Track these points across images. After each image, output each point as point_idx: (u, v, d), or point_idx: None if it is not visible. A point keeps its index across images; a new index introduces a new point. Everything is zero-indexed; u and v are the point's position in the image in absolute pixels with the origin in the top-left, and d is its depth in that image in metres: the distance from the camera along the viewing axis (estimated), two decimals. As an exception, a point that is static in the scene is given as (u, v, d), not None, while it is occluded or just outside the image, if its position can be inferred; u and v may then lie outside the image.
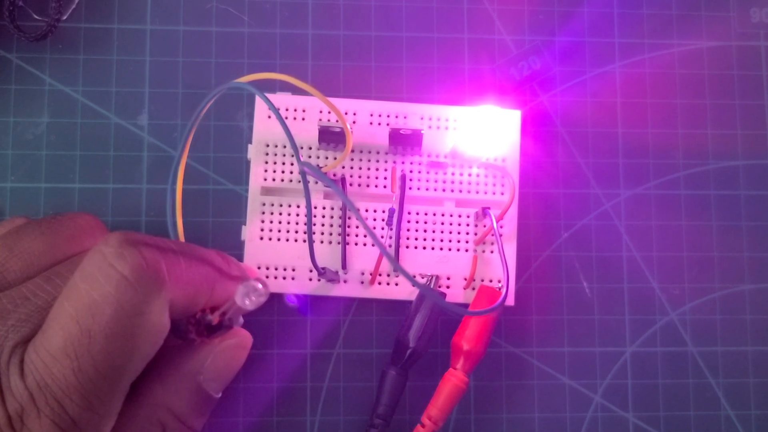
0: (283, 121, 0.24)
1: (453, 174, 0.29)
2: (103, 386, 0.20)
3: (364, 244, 0.29)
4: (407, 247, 0.29)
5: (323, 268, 0.27)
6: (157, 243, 0.22)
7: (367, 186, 0.29)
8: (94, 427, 0.21)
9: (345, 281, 0.28)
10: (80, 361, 0.20)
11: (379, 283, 0.28)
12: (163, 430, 0.24)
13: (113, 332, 0.20)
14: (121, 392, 0.21)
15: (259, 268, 0.28)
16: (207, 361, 0.24)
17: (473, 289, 0.28)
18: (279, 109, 0.28)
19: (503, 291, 0.27)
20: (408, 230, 0.29)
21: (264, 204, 0.28)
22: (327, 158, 0.29)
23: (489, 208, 0.29)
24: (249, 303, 0.21)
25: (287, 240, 0.28)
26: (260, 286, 0.21)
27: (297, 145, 0.25)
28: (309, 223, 0.26)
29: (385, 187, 0.29)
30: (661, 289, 0.31)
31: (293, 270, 0.28)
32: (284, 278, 0.28)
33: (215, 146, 0.30)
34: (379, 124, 0.29)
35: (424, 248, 0.29)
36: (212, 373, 0.25)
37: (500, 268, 0.29)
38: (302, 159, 0.28)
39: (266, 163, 0.29)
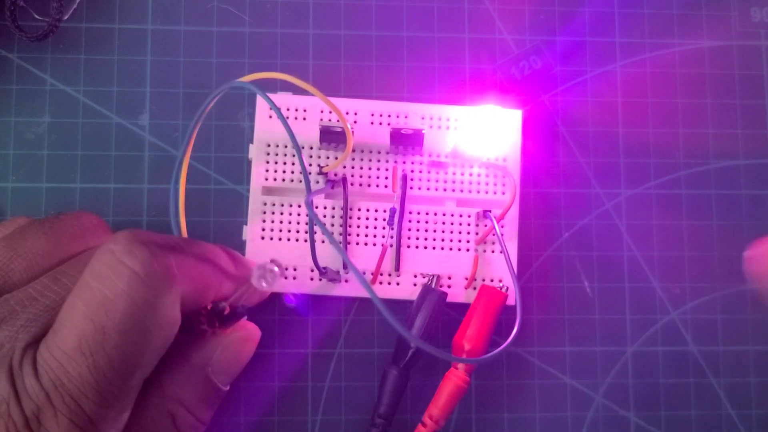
0: (286, 122, 0.24)
1: (454, 174, 0.29)
2: (118, 382, 0.20)
3: (365, 244, 0.29)
4: (408, 246, 0.29)
5: (324, 268, 0.27)
6: (165, 240, 0.22)
7: (369, 186, 0.29)
8: (110, 424, 0.21)
9: (346, 281, 0.28)
10: (95, 357, 0.20)
11: (380, 283, 0.28)
12: (172, 422, 0.24)
13: (127, 328, 0.20)
14: (135, 387, 0.22)
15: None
16: (215, 353, 0.25)
17: (474, 288, 0.28)
18: (280, 108, 0.28)
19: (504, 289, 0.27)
20: (409, 230, 0.29)
21: (265, 204, 0.28)
22: (328, 158, 0.29)
23: (490, 211, 0.29)
24: (265, 283, 0.21)
25: (288, 240, 0.28)
26: (275, 267, 0.21)
27: (299, 145, 0.25)
28: (311, 223, 0.26)
29: (386, 186, 0.29)
30: (662, 288, 0.31)
31: (294, 269, 0.28)
32: (285, 278, 0.28)
33: (216, 146, 0.30)
34: (380, 123, 0.29)
35: (426, 248, 0.29)
36: (220, 365, 0.25)
37: (501, 268, 0.29)
38: (304, 158, 0.28)
39: (267, 162, 0.29)
